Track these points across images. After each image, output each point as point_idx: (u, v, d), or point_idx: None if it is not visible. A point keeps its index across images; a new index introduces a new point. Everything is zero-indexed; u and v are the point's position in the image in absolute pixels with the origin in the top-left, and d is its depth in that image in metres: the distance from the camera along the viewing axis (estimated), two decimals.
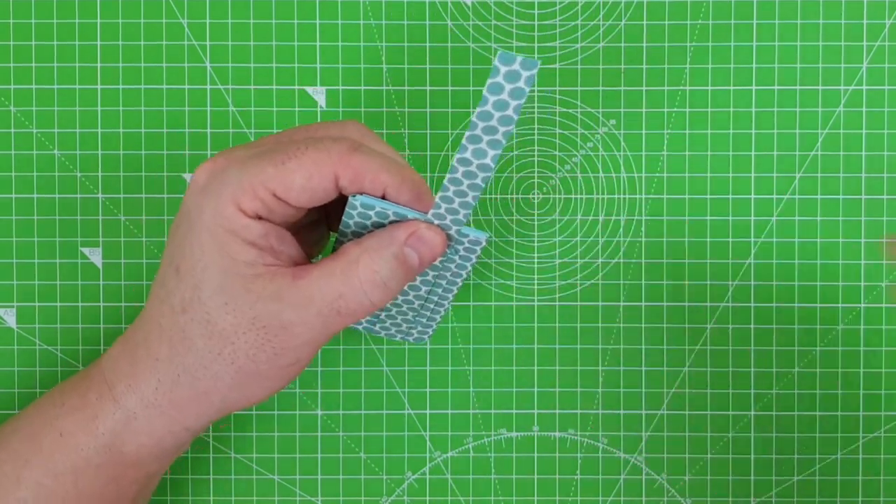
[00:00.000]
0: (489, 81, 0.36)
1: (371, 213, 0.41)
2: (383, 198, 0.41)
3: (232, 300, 0.41)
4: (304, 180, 0.40)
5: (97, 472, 0.44)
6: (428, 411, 0.53)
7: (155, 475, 0.46)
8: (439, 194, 0.41)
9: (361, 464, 0.53)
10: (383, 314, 0.49)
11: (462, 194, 0.41)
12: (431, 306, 0.48)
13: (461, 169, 0.39)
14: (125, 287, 0.53)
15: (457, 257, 0.45)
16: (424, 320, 0.50)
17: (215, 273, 0.40)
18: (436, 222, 0.42)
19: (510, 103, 0.37)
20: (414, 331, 0.50)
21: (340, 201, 0.45)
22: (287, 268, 0.41)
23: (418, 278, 0.46)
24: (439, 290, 0.47)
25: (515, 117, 0.38)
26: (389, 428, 0.53)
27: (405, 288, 0.46)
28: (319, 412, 0.53)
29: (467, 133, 0.38)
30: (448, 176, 0.40)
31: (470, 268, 0.46)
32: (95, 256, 0.53)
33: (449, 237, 0.43)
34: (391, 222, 0.42)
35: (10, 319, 0.53)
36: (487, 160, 0.39)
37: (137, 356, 0.43)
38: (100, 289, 0.53)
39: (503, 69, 0.36)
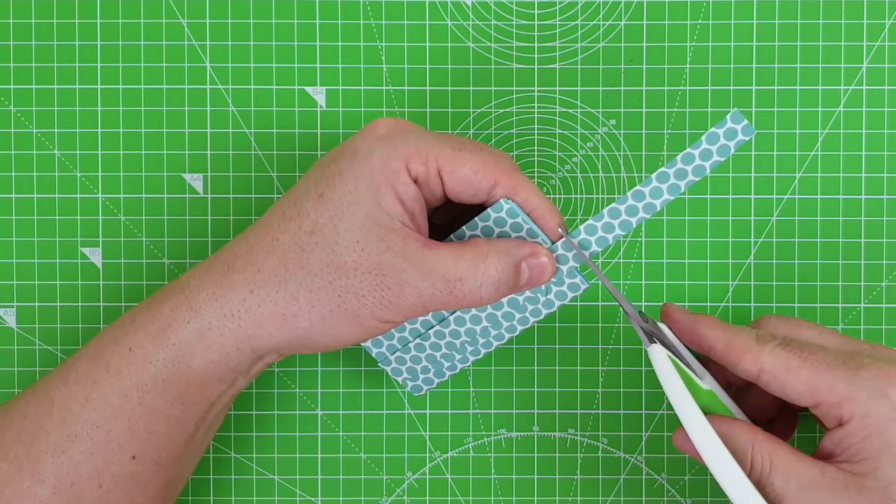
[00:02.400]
0: (711, 130, 0.43)
1: (508, 221, 0.45)
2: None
3: (364, 240, 0.43)
4: (470, 172, 0.44)
5: (163, 389, 0.45)
6: (428, 411, 0.53)
7: (216, 404, 0.46)
8: (589, 220, 0.45)
9: (361, 464, 0.53)
10: (416, 341, 0.49)
11: (608, 229, 0.45)
12: (470, 349, 0.49)
13: (630, 202, 0.45)
14: (125, 287, 0.53)
15: (543, 297, 0.47)
16: (447, 364, 0.49)
17: (359, 211, 0.43)
18: (559, 252, 0.46)
19: (713, 157, 0.44)
20: (422, 375, 0.50)
21: (452, 224, 0.48)
22: (419, 235, 0.44)
23: (489, 308, 0.48)
24: (493, 332, 0.48)
25: (708, 172, 0.44)
26: (389, 428, 0.53)
27: (466, 316, 0.48)
28: (319, 412, 0.53)
29: (662, 169, 0.44)
30: (612, 205, 0.45)
31: (545, 314, 0.48)
32: (95, 256, 0.53)
33: (556, 272, 0.46)
34: (517, 237, 0.45)
35: (10, 319, 0.53)
36: (657, 202, 0.45)
37: (234, 266, 0.44)
38: (100, 289, 0.53)
39: (729, 125, 0.43)
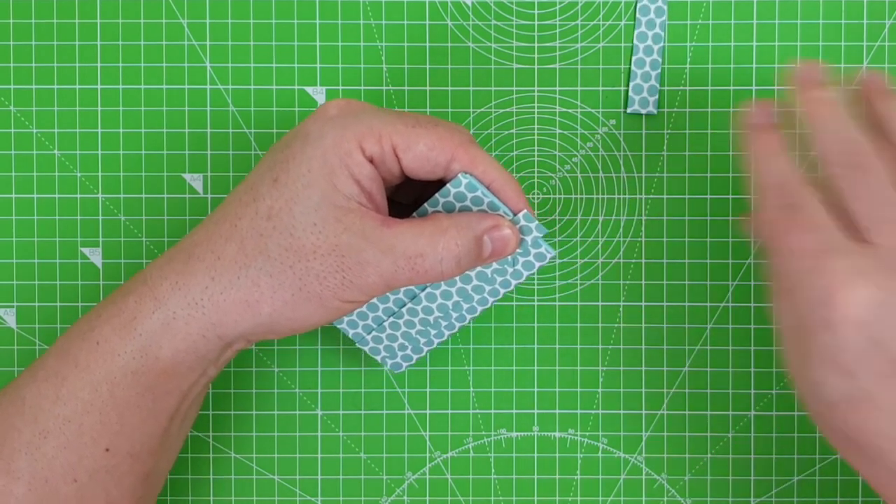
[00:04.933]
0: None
1: (468, 195, 0.45)
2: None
3: (321, 223, 0.43)
4: (426, 148, 0.44)
5: (133, 381, 0.45)
6: (428, 411, 0.53)
7: (189, 394, 0.46)
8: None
9: (361, 464, 0.53)
10: (390, 320, 0.49)
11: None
12: (444, 323, 0.49)
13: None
14: None
15: (510, 268, 0.47)
16: (424, 340, 0.50)
17: (314, 194, 0.43)
18: (522, 223, 0.46)
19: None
20: (400, 352, 0.50)
21: (416, 203, 0.48)
22: (377, 214, 0.44)
23: (458, 282, 0.48)
24: (465, 305, 0.48)
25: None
26: (389, 428, 0.53)
27: (436, 292, 0.48)
28: (319, 412, 0.53)
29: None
30: None
31: (514, 285, 0.48)
32: (95, 256, 0.53)
33: (521, 243, 0.46)
34: (479, 210, 0.45)
35: (10, 319, 0.53)
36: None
37: (194, 254, 0.44)
38: (100, 289, 0.53)
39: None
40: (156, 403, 0.45)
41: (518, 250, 0.46)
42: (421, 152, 0.44)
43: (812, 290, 0.41)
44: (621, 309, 0.53)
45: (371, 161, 0.43)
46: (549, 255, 0.47)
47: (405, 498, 0.53)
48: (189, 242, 0.45)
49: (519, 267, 0.47)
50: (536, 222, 0.46)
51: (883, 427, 0.41)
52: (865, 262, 0.41)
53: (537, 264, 0.47)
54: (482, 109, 0.53)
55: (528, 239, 0.46)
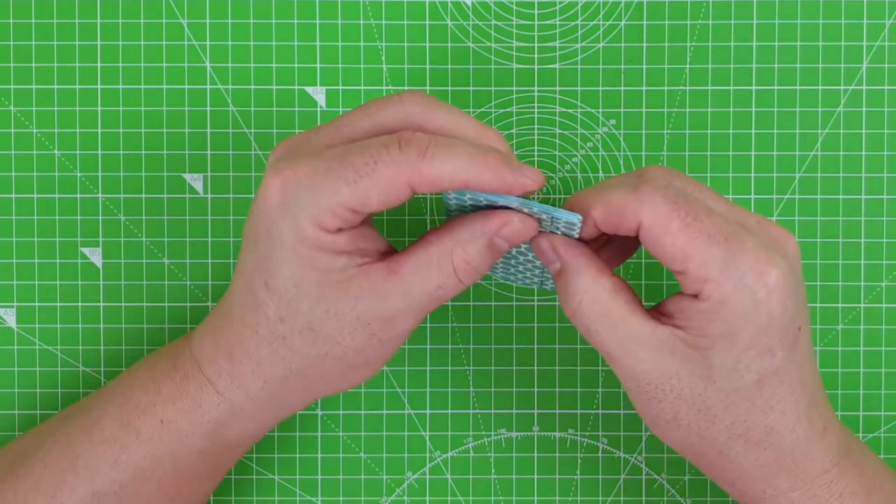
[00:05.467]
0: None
1: (465, 197, 0.42)
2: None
3: (332, 306, 0.41)
4: (379, 196, 0.39)
5: (199, 458, 0.45)
6: (428, 411, 0.53)
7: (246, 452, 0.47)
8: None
9: (361, 464, 0.53)
10: (511, 260, 0.47)
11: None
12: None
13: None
14: (125, 287, 0.53)
15: (559, 232, 0.43)
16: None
17: (310, 286, 0.41)
18: (526, 210, 0.42)
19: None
20: (538, 279, 0.48)
21: None
22: (378, 262, 0.42)
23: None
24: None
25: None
26: (389, 428, 0.53)
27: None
28: (319, 412, 0.53)
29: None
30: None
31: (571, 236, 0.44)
32: (95, 256, 0.53)
33: (541, 222, 0.43)
34: (486, 205, 0.42)
35: (10, 319, 0.53)
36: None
37: (235, 356, 0.43)
38: (100, 289, 0.53)
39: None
40: (217, 470, 0.46)
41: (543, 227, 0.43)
42: (377, 201, 0.40)
43: (736, 271, 0.40)
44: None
45: (340, 230, 0.41)
46: (576, 220, 0.42)
47: (405, 498, 0.53)
48: (225, 341, 0.44)
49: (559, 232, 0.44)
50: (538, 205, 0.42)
51: (785, 401, 0.41)
52: (759, 238, 0.41)
53: (575, 233, 0.43)
54: (482, 109, 0.53)
55: (545, 217, 0.42)
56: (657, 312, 0.42)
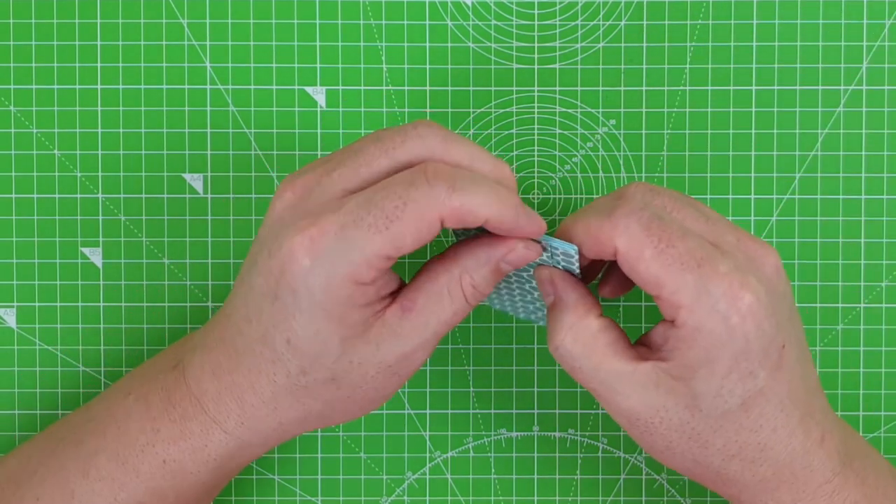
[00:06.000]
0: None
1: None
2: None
3: (356, 357, 0.41)
4: (413, 237, 0.39)
5: (202, 490, 0.45)
6: (428, 411, 0.53)
7: None
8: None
9: (361, 464, 0.53)
10: (504, 289, 0.47)
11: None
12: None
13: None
14: (125, 287, 0.53)
15: (560, 267, 0.44)
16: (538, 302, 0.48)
17: (336, 342, 0.40)
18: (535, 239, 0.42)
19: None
20: (534, 312, 0.48)
21: None
22: (392, 303, 0.41)
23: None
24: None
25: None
26: (389, 428, 0.53)
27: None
28: None
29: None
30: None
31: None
32: (95, 256, 0.53)
33: (544, 250, 0.43)
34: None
35: (10, 319, 0.53)
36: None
37: (247, 400, 0.43)
38: (100, 289, 0.53)
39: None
40: (217, 488, 0.46)
41: (544, 256, 0.43)
42: (411, 243, 0.39)
43: (709, 297, 0.39)
44: (621, 309, 0.53)
45: (373, 281, 0.40)
46: (573, 252, 0.42)
47: (405, 498, 0.53)
48: (236, 386, 0.43)
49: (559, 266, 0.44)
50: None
51: (775, 418, 0.41)
52: (734, 260, 0.40)
53: (574, 265, 0.43)
54: (482, 109, 0.53)
55: (545, 244, 0.43)
56: (643, 345, 0.43)
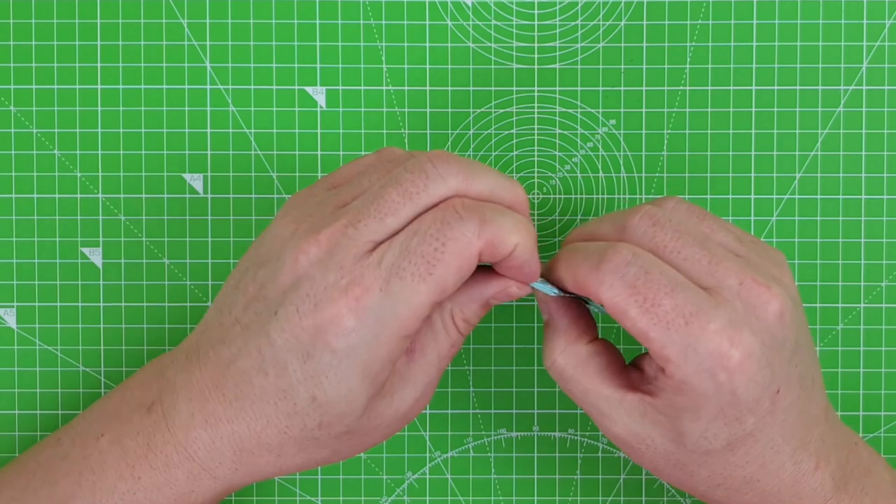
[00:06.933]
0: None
1: None
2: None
3: (375, 412, 0.41)
4: (455, 277, 0.39)
5: None
6: (428, 411, 0.53)
7: None
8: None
9: (361, 464, 0.53)
10: None
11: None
12: None
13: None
14: (125, 287, 0.53)
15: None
16: None
17: (363, 402, 0.40)
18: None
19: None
20: None
21: None
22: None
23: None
24: None
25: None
26: None
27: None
28: None
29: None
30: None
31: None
32: (95, 256, 0.53)
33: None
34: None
35: (10, 319, 0.53)
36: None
37: (246, 448, 0.42)
38: (100, 289, 0.53)
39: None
40: None
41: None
42: (454, 284, 0.39)
43: (695, 356, 0.39)
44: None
45: (416, 331, 0.40)
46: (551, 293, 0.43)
47: (405, 498, 0.53)
48: (235, 435, 0.41)
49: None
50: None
51: (763, 455, 0.41)
52: (728, 312, 0.40)
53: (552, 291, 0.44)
54: (482, 109, 0.53)
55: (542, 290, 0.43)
56: (637, 368, 0.43)
